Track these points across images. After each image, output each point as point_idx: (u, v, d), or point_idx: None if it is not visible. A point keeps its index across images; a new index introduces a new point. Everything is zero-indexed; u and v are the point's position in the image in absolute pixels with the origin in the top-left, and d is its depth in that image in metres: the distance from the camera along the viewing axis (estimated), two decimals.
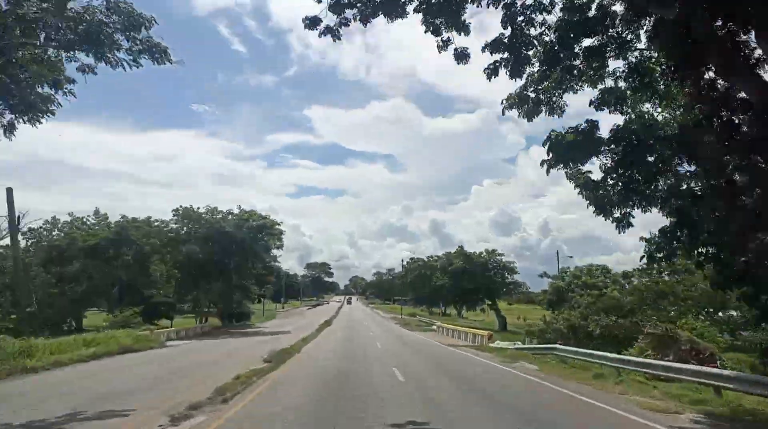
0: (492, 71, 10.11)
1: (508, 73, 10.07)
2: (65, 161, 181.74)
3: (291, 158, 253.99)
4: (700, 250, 10.55)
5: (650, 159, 10.44)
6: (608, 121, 11.69)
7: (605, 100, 10.81)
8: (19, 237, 24.11)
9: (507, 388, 12.74)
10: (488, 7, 9.39)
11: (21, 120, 9.19)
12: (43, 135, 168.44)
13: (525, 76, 10.46)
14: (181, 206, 43.14)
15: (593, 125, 10.81)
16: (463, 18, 9.39)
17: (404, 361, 18.72)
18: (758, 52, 7.67)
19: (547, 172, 11.01)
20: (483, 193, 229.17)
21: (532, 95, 10.85)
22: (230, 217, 43.99)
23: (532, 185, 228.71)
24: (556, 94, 10.79)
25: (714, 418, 9.06)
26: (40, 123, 9.27)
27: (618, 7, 9.52)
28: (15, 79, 8.68)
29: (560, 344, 18.91)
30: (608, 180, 10.79)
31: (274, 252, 49.02)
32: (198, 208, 43.88)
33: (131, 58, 9.14)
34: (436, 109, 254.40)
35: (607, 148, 10.68)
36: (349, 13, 8.98)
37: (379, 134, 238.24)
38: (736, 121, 8.08)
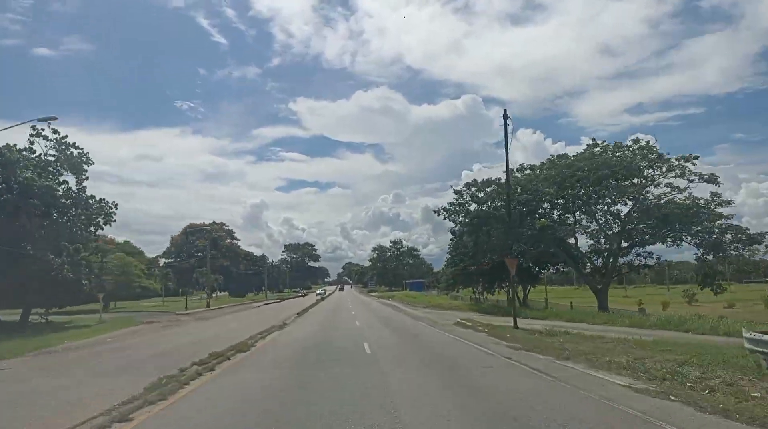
0: None
1: None
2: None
3: (279, 151, 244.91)
4: None
5: None
6: None
7: None
8: None
9: None
10: None
11: None
12: (23, 138, 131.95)
13: None
14: None
15: None
16: None
17: None
18: None
19: None
20: (473, 179, 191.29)
21: None
22: None
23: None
24: None
25: None
26: None
27: None
28: None
29: None
30: None
31: None
32: None
33: None
34: (422, 96, 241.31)
35: None
36: None
37: (366, 124, 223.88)
38: None
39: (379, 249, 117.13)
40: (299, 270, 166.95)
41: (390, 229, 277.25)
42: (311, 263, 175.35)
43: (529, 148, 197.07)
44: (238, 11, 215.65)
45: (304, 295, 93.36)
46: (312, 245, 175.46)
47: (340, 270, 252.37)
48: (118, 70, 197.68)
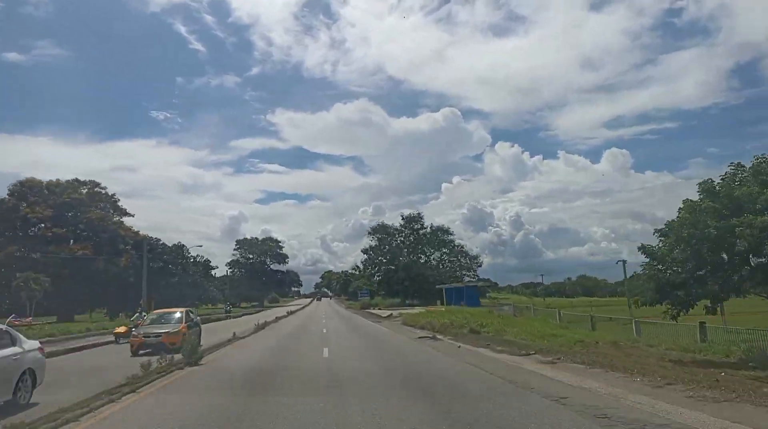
0: None
1: None
2: (21, 175, 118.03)
3: (258, 163, 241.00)
4: None
5: None
6: None
7: None
8: None
9: None
10: None
11: None
12: None
13: None
14: None
15: None
16: None
17: None
18: None
19: None
20: (453, 191, 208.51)
21: None
22: None
23: (500, 181, 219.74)
24: None
25: None
26: None
27: None
28: None
29: None
30: None
31: None
32: None
33: None
34: (401, 108, 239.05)
35: None
36: None
37: (345, 137, 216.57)
38: None
39: (381, 230, 66.95)
40: (257, 275, 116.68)
41: (371, 241, 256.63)
42: (275, 266, 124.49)
43: (507, 162, 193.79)
44: (217, 17, 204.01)
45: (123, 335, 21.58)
46: (277, 241, 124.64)
47: (318, 279, 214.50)
48: (93, 77, 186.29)
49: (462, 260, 63.45)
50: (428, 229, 64.20)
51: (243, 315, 63.23)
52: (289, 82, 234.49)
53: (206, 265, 74.18)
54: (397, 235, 64.65)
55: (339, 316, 45.79)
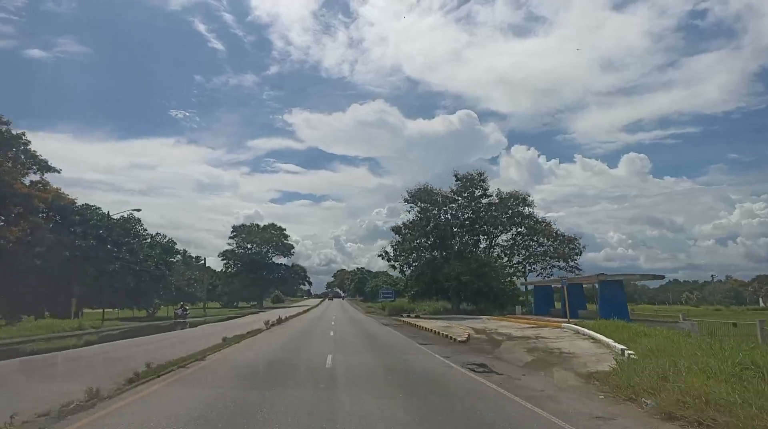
0: None
1: None
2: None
3: (274, 163, 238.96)
4: None
5: None
6: None
7: None
8: None
9: None
10: None
11: None
12: None
13: None
14: None
15: None
16: None
17: None
18: None
19: None
20: None
21: None
22: None
23: (516, 184, 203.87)
24: None
25: None
26: None
27: None
28: None
29: None
30: None
31: None
32: None
33: None
34: (418, 109, 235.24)
35: None
36: None
37: (361, 138, 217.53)
38: None
39: (424, 197, 43.86)
40: (256, 270, 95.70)
41: (387, 243, 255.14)
42: (277, 259, 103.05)
43: (523, 165, 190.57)
44: (236, 16, 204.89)
45: None
46: (281, 229, 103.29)
47: (331, 279, 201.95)
48: (113, 75, 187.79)
49: (549, 244, 41.59)
50: (493, 197, 42.33)
51: (220, 320, 42.02)
52: (307, 82, 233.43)
53: (168, 249, 53.20)
54: (446, 206, 42.76)
55: (365, 335, 24.13)
